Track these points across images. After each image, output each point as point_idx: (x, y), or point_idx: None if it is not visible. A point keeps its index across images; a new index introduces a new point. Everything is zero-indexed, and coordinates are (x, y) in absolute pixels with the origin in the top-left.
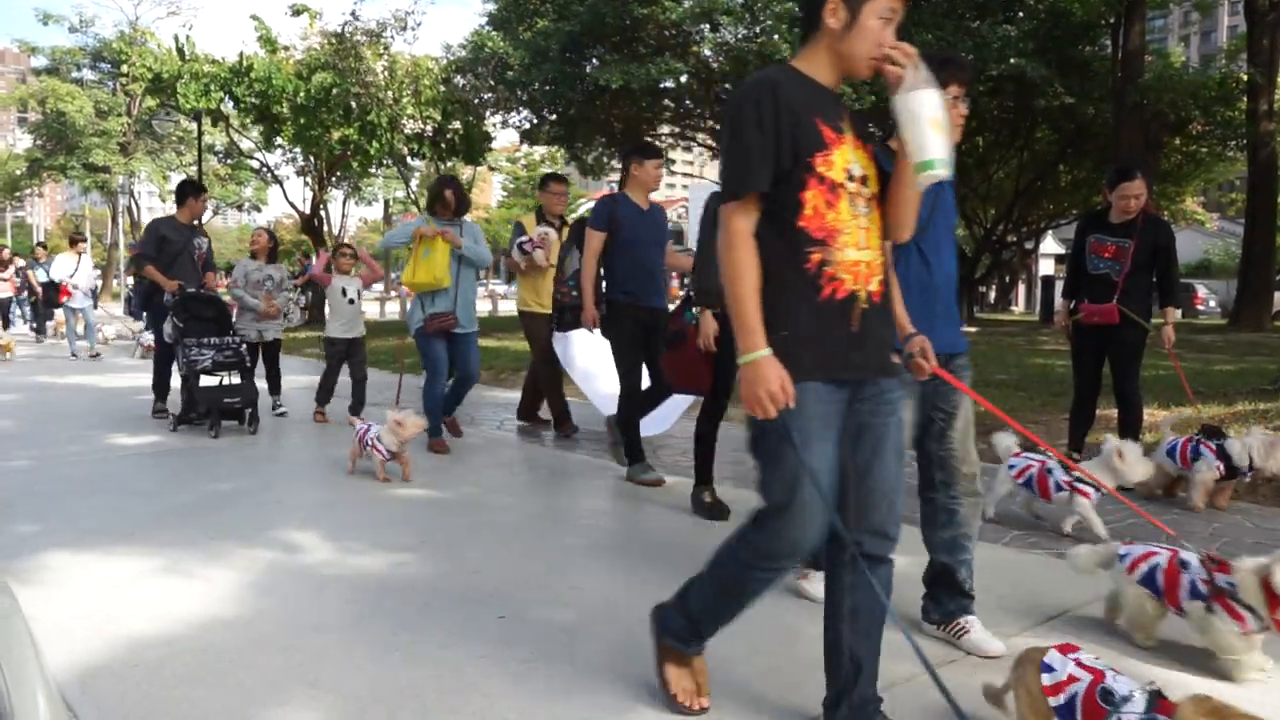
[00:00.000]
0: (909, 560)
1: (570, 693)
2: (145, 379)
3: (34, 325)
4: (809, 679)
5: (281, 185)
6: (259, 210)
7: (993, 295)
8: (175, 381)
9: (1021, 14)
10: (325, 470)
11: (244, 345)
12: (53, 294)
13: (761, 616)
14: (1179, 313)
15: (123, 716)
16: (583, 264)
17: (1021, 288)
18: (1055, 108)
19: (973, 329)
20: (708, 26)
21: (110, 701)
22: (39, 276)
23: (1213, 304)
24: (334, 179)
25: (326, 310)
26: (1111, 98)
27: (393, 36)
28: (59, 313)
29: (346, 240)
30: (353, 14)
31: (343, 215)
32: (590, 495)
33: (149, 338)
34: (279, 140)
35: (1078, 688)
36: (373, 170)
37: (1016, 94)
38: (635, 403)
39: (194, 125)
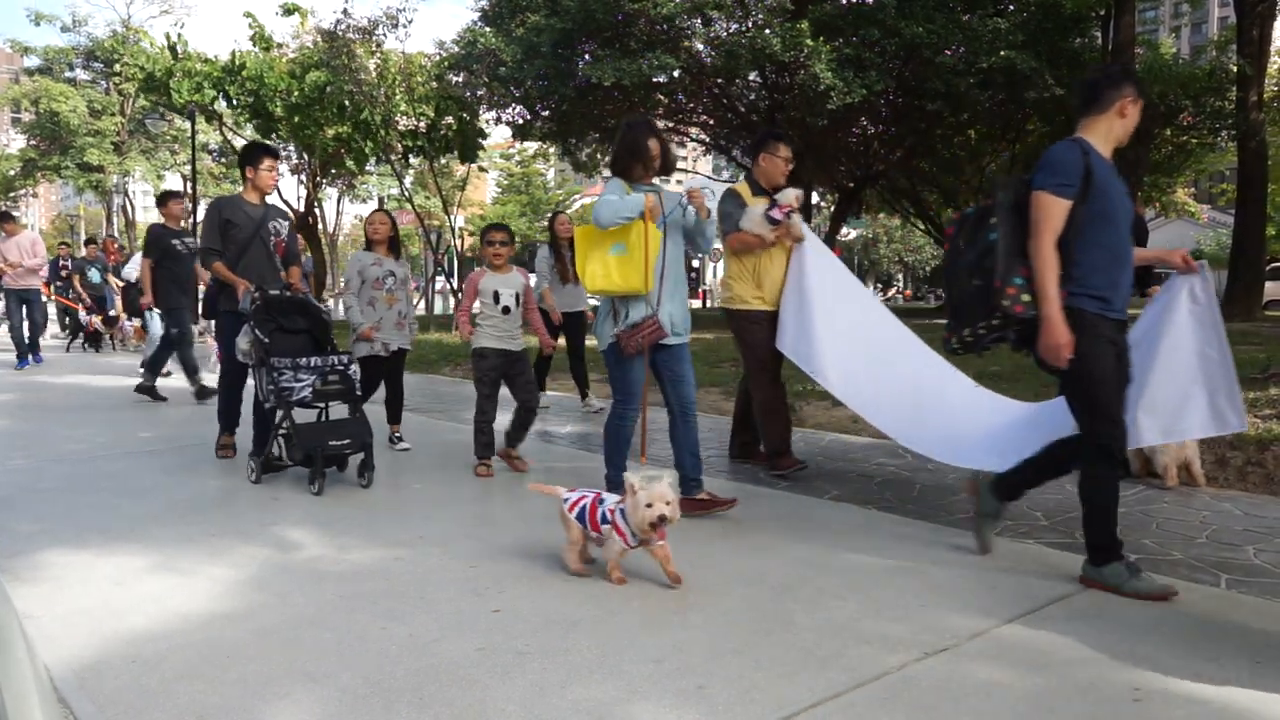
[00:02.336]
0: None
1: (567, 685)
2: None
3: (77, 338)
4: (802, 668)
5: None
6: None
7: None
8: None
9: (1012, 7)
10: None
11: (353, 367)
12: (135, 298)
13: (752, 606)
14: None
15: (122, 711)
16: (1036, 247)
17: None
18: (1046, 100)
19: None
20: (699, 21)
21: (109, 697)
22: (97, 277)
23: None
24: (328, 177)
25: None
26: None
27: (385, 34)
28: (127, 323)
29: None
30: (344, 11)
31: (337, 213)
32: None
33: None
34: (273, 138)
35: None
36: (367, 168)
37: (1007, 86)
38: (1112, 475)
39: (187, 124)
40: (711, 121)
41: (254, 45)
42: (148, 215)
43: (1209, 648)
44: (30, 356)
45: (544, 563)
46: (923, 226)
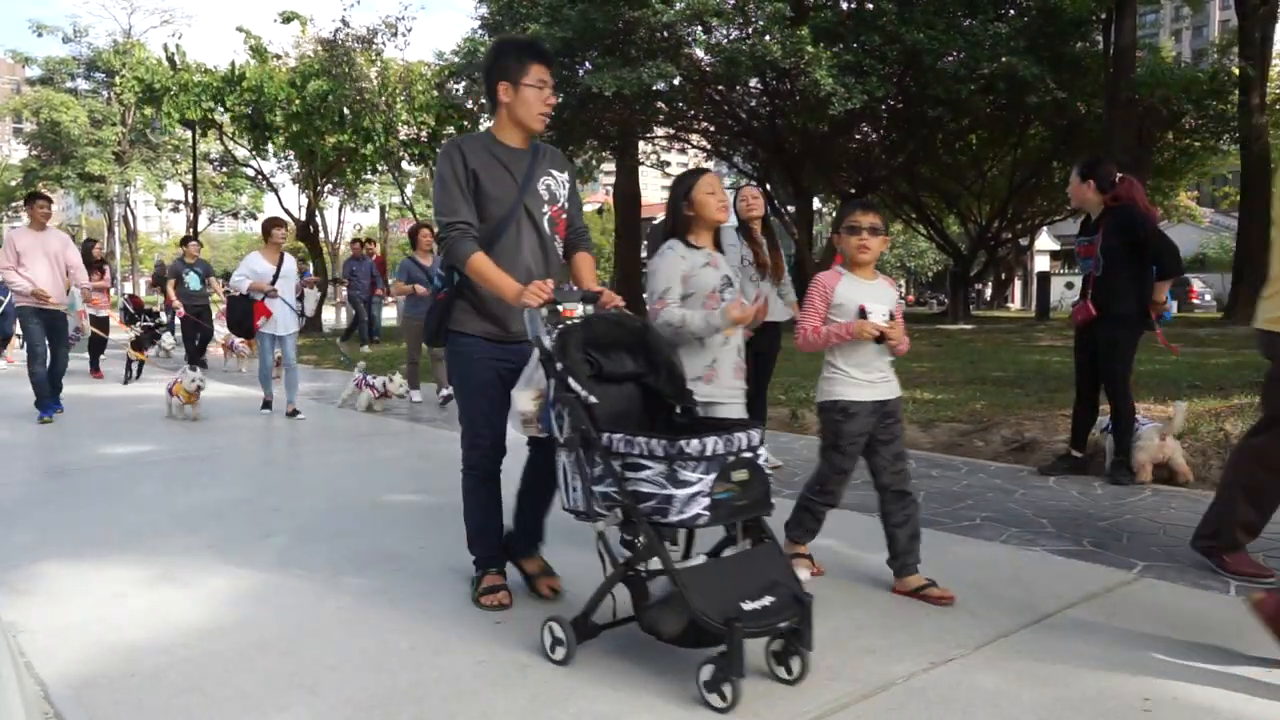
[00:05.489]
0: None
1: (569, 698)
2: (151, 386)
3: (190, 354)
4: (808, 679)
5: (276, 192)
6: (254, 218)
7: (989, 292)
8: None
9: (1013, 11)
10: (322, 476)
11: (763, 449)
12: (242, 315)
13: None
14: (1166, 287)
15: None
16: None
17: (1018, 284)
18: (1047, 104)
19: (969, 325)
20: (700, 28)
21: (106, 711)
22: (197, 283)
23: (1208, 298)
24: (329, 185)
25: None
26: (1104, 94)
27: (384, 43)
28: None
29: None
30: (343, 21)
31: (339, 222)
32: None
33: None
34: (269, 148)
35: None
36: (368, 176)
37: (1009, 91)
38: None
39: (188, 134)
40: (712, 128)
41: (251, 57)
42: (149, 225)
43: (1219, 655)
44: (52, 409)
45: None
46: (925, 232)
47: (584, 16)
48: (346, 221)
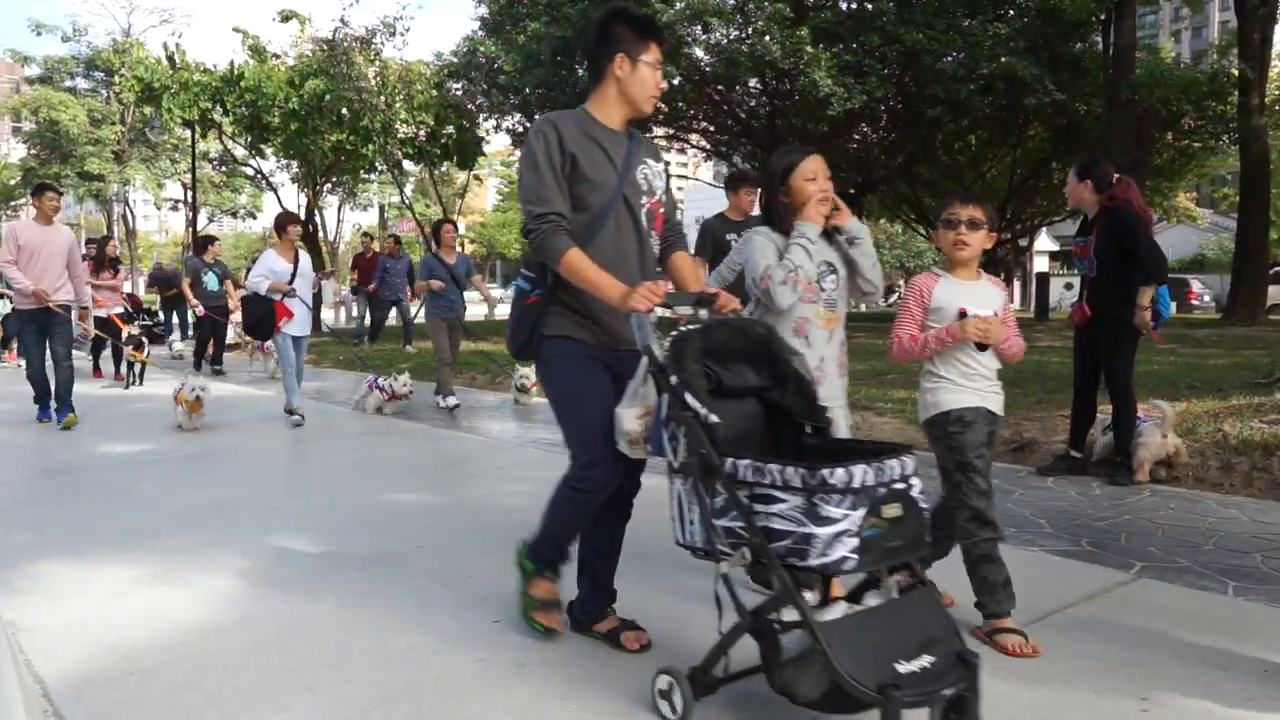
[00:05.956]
0: None
1: (567, 696)
2: (152, 386)
3: (205, 358)
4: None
5: (276, 192)
6: (254, 217)
7: None
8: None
9: (1012, 12)
10: (320, 476)
11: (914, 479)
12: (262, 315)
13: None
14: (1150, 292)
15: None
16: None
17: (1017, 284)
18: (1047, 105)
19: None
20: (699, 28)
21: (106, 709)
22: (215, 283)
23: (1207, 299)
24: (329, 185)
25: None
26: (1103, 94)
27: (383, 42)
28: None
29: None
30: (342, 20)
31: (338, 221)
32: None
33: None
34: (268, 149)
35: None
36: (367, 175)
37: (1008, 92)
38: None
39: (187, 133)
40: (712, 128)
41: (250, 57)
42: (147, 224)
43: (1217, 657)
44: (50, 407)
45: None
46: (924, 232)
47: (584, 15)
48: (346, 221)
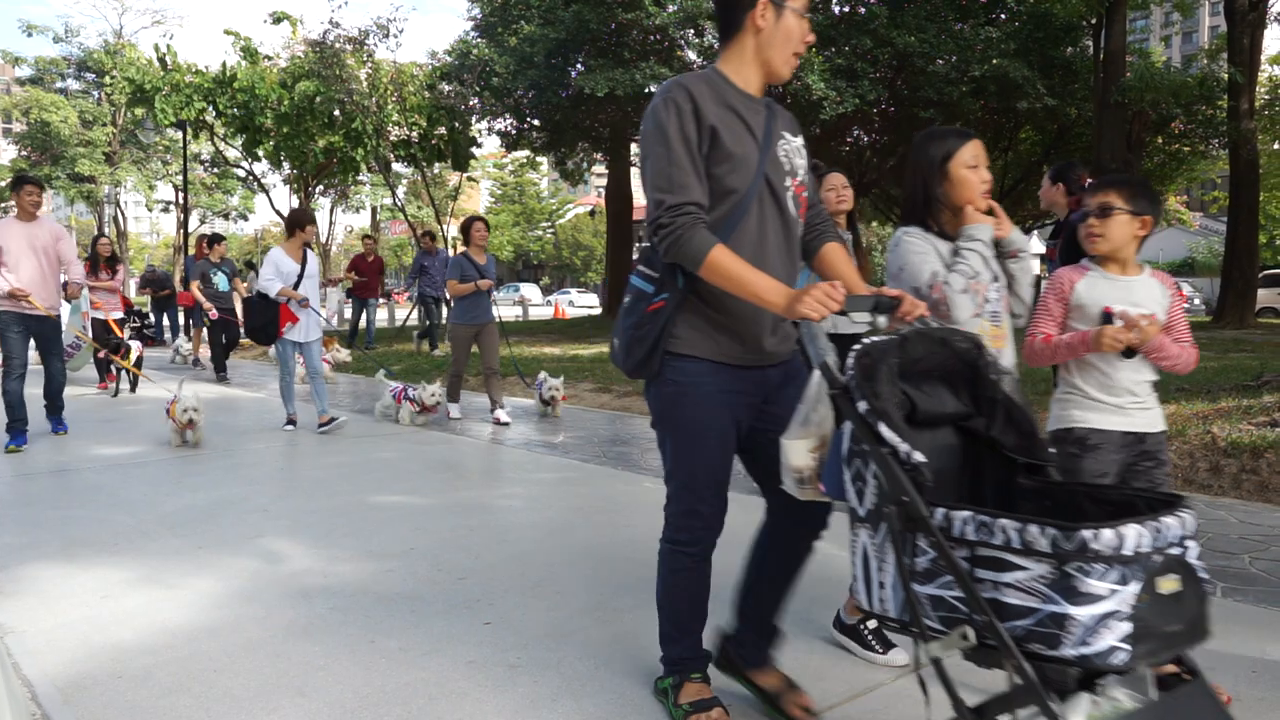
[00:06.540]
0: None
1: (557, 698)
2: (143, 388)
3: (216, 359)
4: (798, 680)
5: (268, 193)
6: (245, 219)
7: None
8: None
9: (1004, 16)
10: (310, 478)
11: (1192, 542)
12: (266, 319)
13: None
14: None
15: None
16: None
17: None
18: (1038, 109)
19: None
20: (692, 31)
21: (94, 712)
22: (225, 284)
23: (1197, 302)
24: (321, 186)
25: None
26: (1094, 98)
27: (375, 44)
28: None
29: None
30: (332, 22)
31: (330, 223)
32: (576, 500)
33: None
34: (260, 151)
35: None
36: (359, 177)
37: (999, 95)
38: None
39: (179, 135)
40: None
41: (242, 58)
42: (139, 226)
43: (1204, 657)
44: (25, 433)
45: (536, 575)
46: None
47: (577, 18)
48: (338, 223)
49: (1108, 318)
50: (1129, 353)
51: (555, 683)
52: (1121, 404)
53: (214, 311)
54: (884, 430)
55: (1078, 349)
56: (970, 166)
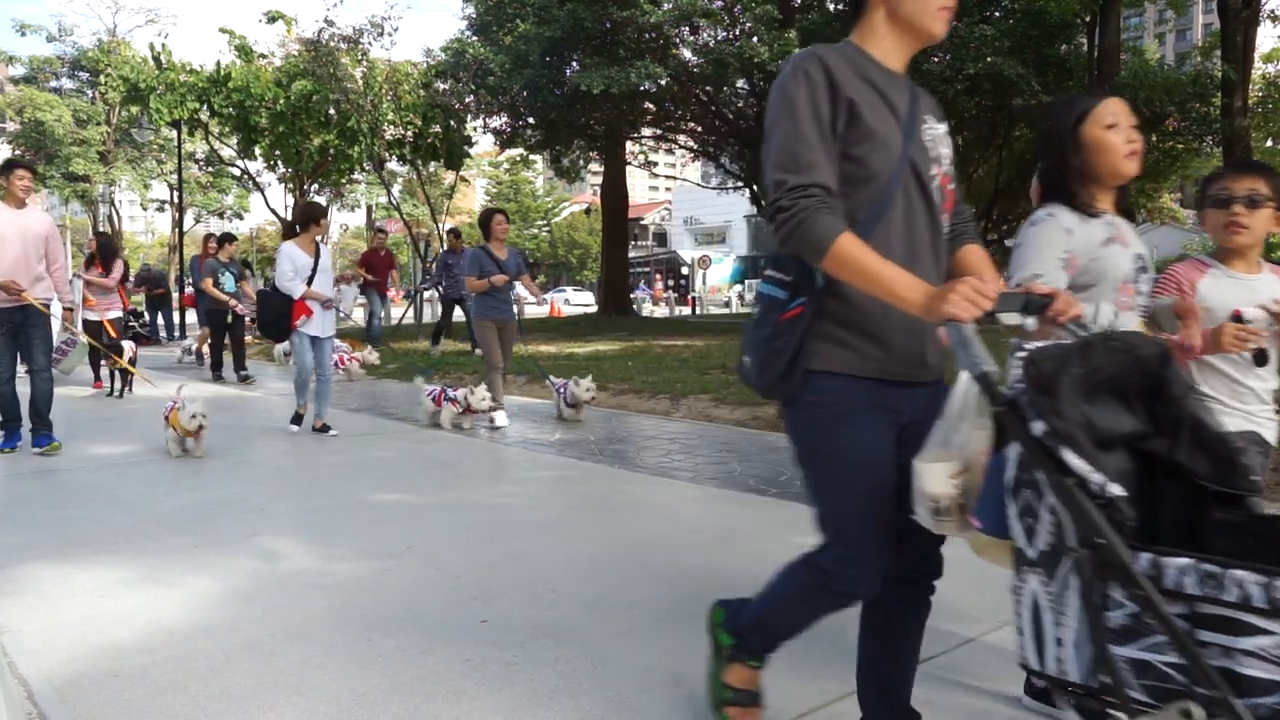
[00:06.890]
0: None
1: (554, 696)
2: (139, 388)
3: (216, 358)
4: (795, 677)
5: (263, 192)
6: (240, 218)
7: None
8: None
9: (998, 14)
10: (308, 478)
11: None
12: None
13: None
14: None
15: None
16: None
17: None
18: (1033, 106)
19: None
20: (687, 29)
21: (91, 711)
22: (232, 284)
23: None
24: (316, 185)
25: None
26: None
27: (370, 42)
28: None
29: None
30: (327, 20)
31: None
32: (573, 498)
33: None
34: (256, 150)
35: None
36: (354, 176)
37: (994, 93)
38: None
39: (174, 134)
40: (699, 129)
41: (236, 57)
42: (133, 225)
43: None
44: (20, 433)
45: (532, 573)
46: None
47: (572, 16)
48: (333, 221)
49: (1238, 319)
50: (1261, 358)
51: (552, 681)
52: (1251, 410)
53: (240, 308)
54: (1069, 457)
55: (1194, 350)
56: (1108, 124)
